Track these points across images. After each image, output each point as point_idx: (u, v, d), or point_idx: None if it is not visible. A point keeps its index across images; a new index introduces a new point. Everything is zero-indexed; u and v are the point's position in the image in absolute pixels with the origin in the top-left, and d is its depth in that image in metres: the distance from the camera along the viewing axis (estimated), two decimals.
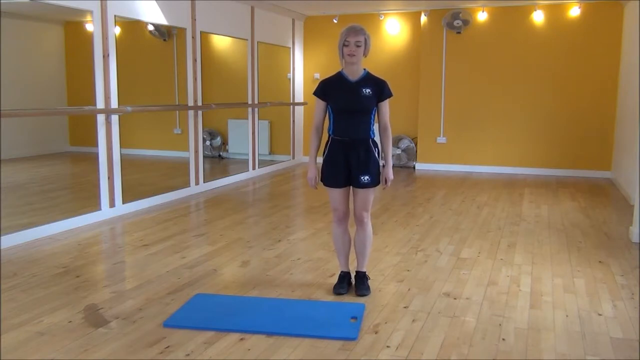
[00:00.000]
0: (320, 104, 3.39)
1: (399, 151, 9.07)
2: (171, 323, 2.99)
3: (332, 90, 3.36)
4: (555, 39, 8.23)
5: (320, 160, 3.49)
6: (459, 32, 8.59)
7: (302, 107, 9.63)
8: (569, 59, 8.21)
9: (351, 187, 3.45)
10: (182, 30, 6.62)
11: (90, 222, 5.26)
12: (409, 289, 3.56)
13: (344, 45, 3.27)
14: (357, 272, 3.56)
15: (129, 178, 5.95)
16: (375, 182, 3.43)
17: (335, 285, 3.53)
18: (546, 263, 4.14)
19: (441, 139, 8.89)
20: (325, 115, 3.42)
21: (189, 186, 6.75)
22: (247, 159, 8.14)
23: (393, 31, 9.06)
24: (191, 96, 6.71)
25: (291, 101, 9.27)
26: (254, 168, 8.21)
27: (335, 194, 3.44)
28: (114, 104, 5.46)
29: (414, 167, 9.04)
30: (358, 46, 3.26)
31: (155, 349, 2.71)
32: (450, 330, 2.94)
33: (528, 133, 8.48)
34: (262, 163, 8.49)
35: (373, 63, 9.13)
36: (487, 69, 8.57)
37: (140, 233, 4.94)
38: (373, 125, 3.39)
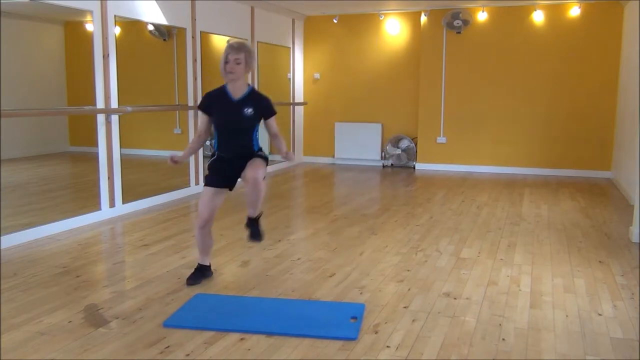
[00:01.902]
0: (203, 117, 3.50)
1: (399, 151, 9.07)
2: (171, 323, 2.99)
3: (215, 105, 3.44)
4: (555, 39, 8.23)
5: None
6: (459, 32, 8.59)
7: (302, 107, 9.63)
8: (569, 59, 8.21)
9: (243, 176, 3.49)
10: (182, 30, 6.62)
11: (90, 222, 5.26)
12: (409, 289, 3.56)
13: (225, 62, 3.34)
14: (248, 217, 3.56)
15: (129, 178, 5.95)
16: (261, 157, 3.45)
17: (192, 275, 3.62)
18: (546, 263, 4.14)
19: (441, 139, 8.90)
20: (208, 127, 3.50)
21: (189, 186, 6.75)
22: None
23: (393, 31, 9.06)
24: (191, 96, 6.71)
25: (291, 101, 9.27)
26: None
27: (207, 194, 3.49)
28: (114, 104, 5.46)
29: (414, 167, 9.04)
30: (237, 63, 3.33)
31: (155, 349, 2.71)
32: (450, 330, 2.94)
33: (528, 133, 8.48)
34: None
35: (373, 63, 9.14)
36: (487, 69, 8.57)
37: (140, 233, 4.94)
38: (256, 136, 3.49)
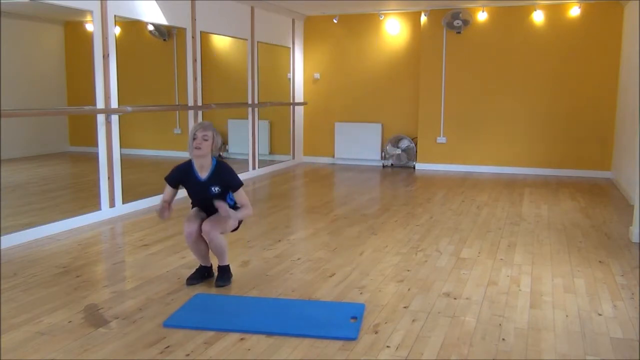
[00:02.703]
0: (169, 188, 3.60)
1: (399, 151, 9.07)
2: (171, 323, 2.99)
3: (184, 181, 3.59)
4: (555, 39, 8.23)
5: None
6: (459, 32, 8.59)
7: (302, 107, 9.63)
8: (568, 59, 8.21)
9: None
10: (182, 30, 6.62)
11: (90, 222, 5.26)
12: (409, 289, 3.56)
13: (193, 138, 3.46)
14: (218, 266, 3.67)
15: (129, 178, 5.95)
16: (230, 212, 3.48)
17: (192, 275, 3.66)
18: (546, 263, 4.14)
19: (441, 139, 8.90)
20: (171, 198, 3.61)
21: None
22: (247, 159, 8.14)
23: (393, 31, 9.06)
24: (191, 96, 6.71)
25: (291, 101, 9.27)
26: (254, 168, 8.21)
27: (192, 212, 3.61)
28: (114, 104, 5.46)
29: (414, 167, 9.04)
30: (205, 140, 3.45)
31: (155, 349, 2.71)
32: (450, 330, 2.94)
33: (528, 133, 8.48)
34: (262, 163, 8.49)
35: (373, 63, 9.14)
36: (487, 69, 8.57)
37: (140, 233, 4.94)
38: (228, 200, 3.57)
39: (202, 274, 3.68)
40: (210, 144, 3.47)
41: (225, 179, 3.53)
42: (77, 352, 2.68)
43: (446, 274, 3.87)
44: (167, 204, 3.51)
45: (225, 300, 3.37)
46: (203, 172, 3.52)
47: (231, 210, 3.42)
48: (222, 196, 3.53)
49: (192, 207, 3.69)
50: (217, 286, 3.57)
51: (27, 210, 5.54)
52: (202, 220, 3.54)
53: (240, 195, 3.56)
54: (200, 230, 3.50)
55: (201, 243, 3.58)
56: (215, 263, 3.74)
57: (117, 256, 4.32)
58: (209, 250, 3.66)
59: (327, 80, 9.50)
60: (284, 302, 3.32)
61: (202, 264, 3.70)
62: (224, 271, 3.65)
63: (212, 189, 3.50)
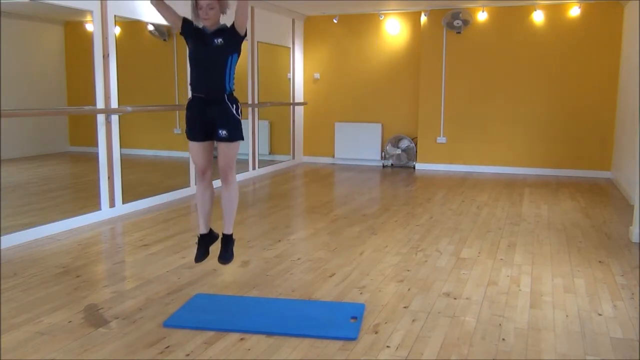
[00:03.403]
0: (176, 16, 3.33)
1: (399, 151, 9.07)
2: (171, 323, 2.99)
3: (192, 31, 3.32)
4: (555, 39, 8.23)
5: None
6: (459, 32, 8.59)
7: (302, 107, 9.63)
8: (568, 59, 8.21)
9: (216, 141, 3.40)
10: None
11: (90, 222, 5.26)
12: (409, 289, 3.56)
13: (197, 8, 3.20)
14: (222, 235, 3.48)
15: (129, 178, 5.95)
16: (234, 137, 3.34)
17: (196, 253, 3.47)
18: (546, 263, 4.14)
19: (441, 139, 8.89)
20: (170, 14, 3.32)
21: (189, 186, 6.75)
22: (247, 159, 8.14)
23: (393, 31, 9.06)
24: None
25: (291, 101, 9.27)
26: (254, 168, 8.21)
27: (194, 147, 3.37)
28: (114, 104, 5.46)
29: (414, 167, 9.03)
30: (211, 8, 3.21)
31: (155, 349, 2.71)
32: (450, 330, 2.94)
33: (528, 133, 8.48)
34: (262, 163, 8.49)
35: (373, 63, 9.14)
36: (487, 69, 8.57)
37: (140, 233, 4.94)
38: (230, 78, 3.33)
39: (205, 246, 3.48)
40: (217, 10, 3.26)
41: (226, 27, 3.30)
42: (77, 352, 2.68)
43: (446, 274, 3.87)
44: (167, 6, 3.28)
45: (225, 300, 3.37)
46: (211, 28, 3.29)
47: None
48: (224, 50, 3.27)
49: (191, 81, 3.33)
50: (222, 262, 3.41)
51: (27, 210, 5.54)
52: (208, 154, 3.35)
53: (236, 15, 3.32)
54: (210, 166, 3.34)
55: (209, 190, 3.42)
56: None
57: (117, 256, 4.32)
58: (213, 204, 3.49)
59: (327, 80, 9.50)
60: (284, 302, 3.32)
61: (202, 232, 3.48)
62: (229, 242, 3.45)
63: (215, 40, 3.25)
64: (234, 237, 3.50)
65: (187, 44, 3.34)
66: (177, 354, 2.67)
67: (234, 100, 3.35)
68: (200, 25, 3.30)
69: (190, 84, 3.35)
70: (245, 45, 7.91)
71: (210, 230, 3.53)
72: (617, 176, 7.53)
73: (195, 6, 3.22)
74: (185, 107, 3.40)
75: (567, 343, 2.82)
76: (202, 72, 3.29)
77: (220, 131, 3.29)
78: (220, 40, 3.25)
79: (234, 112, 3.33)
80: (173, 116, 7.36)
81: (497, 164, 8.66)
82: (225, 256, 3.44)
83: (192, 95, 3.36)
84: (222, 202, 3.43)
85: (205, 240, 3.50)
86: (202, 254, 3.47)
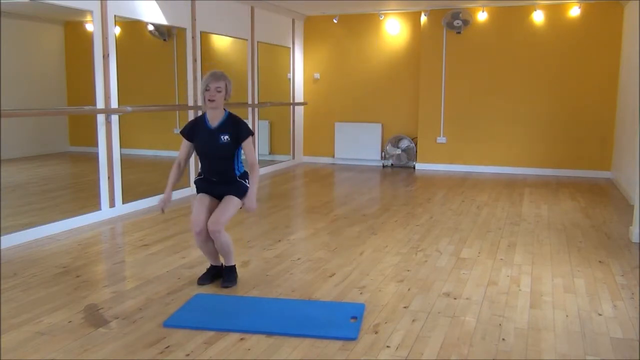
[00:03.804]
0: (185, 143, 3.60)
1: (399, 151, 9.07)
2: (171, 323, 2.99)
3: (196, 132, 3.56)
4: (555, 39, 8.23)
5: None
6: (459, 32, 8.59)
7: (302, 107, 9.63)
8: (568, 59, 8.21)
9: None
10: (182, 30, 6.62)
11: (90, 222, 5.26)
12: (409, 289, 3.56)
13: (205, 90, 3.42)
14: (225, 266, 3.67)
15: (129, 178, 5.95)
16: (236, 194, 3.54)
17: (204, 275, 3.65)
18: (546, 263, 4.14)
19: (441, 139, 8.90)
20: (188, 153, 3.61)
21: (189, 186, 6.75)
22: None
23: (393, 31, 9.06)
24: (191, 96, 6.71)
25: (291, 101, 9.27)
26: None
27: (199, 201, 3.53)
28: (114, 104, 5.46)
29: (414, 167, 9.04)
30: (219, 92, 3.43)
31: (155, 349, 2.71)
32: (450, 330, 2.94)
33: (528, 133, 8.48)
34: (262, 163, 8.48)
35: (373, 63, 9.14)
36: (487, 69, 8.57)
37: (140, 233, 4.94)
38: (238, 164, 3.58)
39: (212, 274, 3.66)
40: (223, 95, 3.45)
41: (236, 127, 3.50)
42: (77, 352, 2.68)
43: (446, 274, 3.87)
44: (167, 199, 3.53)
45: (225, 300, 3.37)
46: (214, 121, 3.49)
47: (249, 196, 3.45)
48: (230, 147, 3.48)
49: (200, 174, 3.60)
50: (224, 287, 3.55)
51: (27, 210, 5.54)
52: (210, 213, 3.49)
53: (249, 146, 3.52)
54: (205, 228, 3.48)
55: (210, 241, 3.55)
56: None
57: (117, 256, 4.32)
58: (216, 250, 3.65)
59: (327, 80, 9.50)
60: (284, 302, 3.32)
61: (213, 264, 3.68)
62: (230, 271, 3.64)
63: (222, 137, 3.46)
64: (235, 267, 3.69)
65: (194, 142, 3.57)
66: (177, 354, 2.67)
67: (245, 176, 3.60)
68: (205, 109, 3.52)
69: (201, 170, 3.61)
70: (245, 45, 7.92)
71: (222, 265, 3.72)
72: (617, 176, 7.53)
73: (205, 88, 3.43)
74: (196, 182, 3.64)
75: (567, 343, 2.82)
76: (212, 164, 3.55)
77: (227, 194, 3.53)
78: (226, 137, 3.48)
79: (244, 183, 3.57)
80: (173, 116, 7.36)
81: (497, 164, 8.66)
82: (230, 280, 3.61)
83: (204, 176, 3.60)
84: (217, 248, 3.58)
85: (213, 272, 3.68)
86: (206, 279, 3.64)
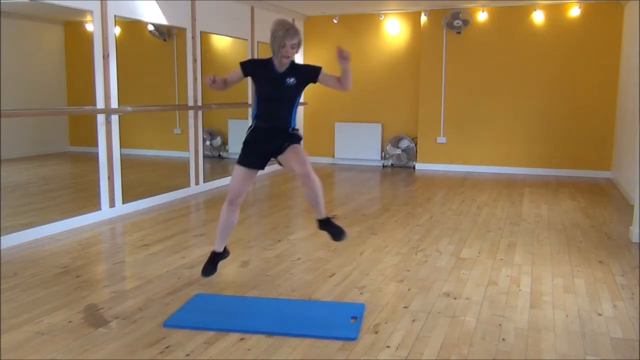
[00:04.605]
0: (238, 73, 3.45)
1: (399, 151, 9.07)
2: (171, 323, 2.99)
3: (258, 72, 3.45)
4: (555, 39, 8.23)
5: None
6: (459, 32, 8.59)
7: (302, 107, 9.63)
8: (568, 59, 8.21)
9: (280, 158, 3.51)
10: (182, 30, 6.62)
11: (90, 222, 5.26)
12: (409, 289, 3.56)
13: (281, 46, 3.30)
14: (319, 220, 3.52)
15: (129, 178, 5.95)
16: (296, 141, 3.48)
17: (206, 266, 3.55)
18: (546, 263, 4.14)
19: (441, 139, 8.90)
20: (234, 82, 3.48)
21: (189, 186, 6.75)
22: None
23: (393, 31, 9.06)
24: (191, 96, 6.71)
25: None
26: None
27: (241, 172, 3.44)
28: (114, 104, 5.46)
29: (414, 167, 9.04)
30: (293, 48, 3.34)
31: (155, 349, 2.71)
32: (450, 330, 2.94)
33: (528, 133, 8.48)
34: None
35: (373, 63, 9.14)
36: (487, 69, 8.57)
37: (140, 233, 4.94)
38: (294, 115, 3.49)
39: (216, 262, 3.58)
40: (296, 50, 3.37)
41: (303, 69, 3.46)
42: (77, 352, 2.68)
43: (446, 274, 3.87)
44: (225, 81, 3.42)
45: (225, 300, 3.37)
46: (281, 67, 3.41)
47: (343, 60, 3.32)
48: (295, 90, 3.42)
49: (257, 113, 3.45)
50: (337, 240, 3.46)
51: (27, 210, 5.54)
52: (249, 183, 3.43)
53: (327, 75, 3.45)
54: (243, 195, 3.40)
55: (235, 218, 3.49)
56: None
57: (117, 256, 4.32)
58: (234, 227, 3.56)
59: None
60: (284, 302, 3.32)
61: (216, 250, 3.57)
62: (329, 222, 3.50)
63: (288, 79, 3.38)
64: (329, 218, 3.53)
65: (255, 82, 3.47)
66: (177, 354, 2.67)
67: (297, 130, 3.53)
68: (276, 61, 3.38)
69: (256, 116, 3.46)
70: (245, 45, 7.92)
71: (224, 248, 3.64)
72: (617, 176, 7.53)
73: (280, 45, 3.29)
74: (247, 135, 3.50)
75: (567, 343, 2.82)
76: (272, 108, 3.44)
77: (283, 144, 3.43)
78: (292, 80, 3.40)
79: (299, 134, 3.52)
80: (173, 116, 7.37)
81: (497, 164, 8.66)
82: (339, 232, 3.48)
83: (256, 125, 3.47)
84: (307, 196, 3.48)
85: (218, 258, 3.61)
86: (212, 269, 3.57)
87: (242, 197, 3.49)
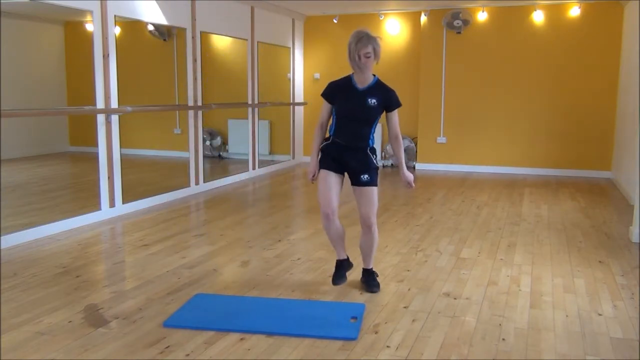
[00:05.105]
0: (326, 105, 3.47)
1: None
2: (171, 323, 2.99)
3: (339, 94, 3.42)
4: (555, 39, 8.23)
5: None
6: (459, 32, 8.59)
7: (302, 107, 9.63)
8: (568, 59, 8.21)
9: (352, 186, 3.48)
10: (182, 30, 6.62)
11: (90, 222, 5.26)
12: (409, 289, 3.56)
13: (357, 57, 3.29)
14: (364, 269, 3.59)
15: (129, 178, 5.95)
16: (374, 182, 3.44)
17: (334, 275, 3.54)
18: (546, 263, 4.14)
19: (441, 139, 8.90)
20: (330, 115, 3.47)
21: (189, 186, 6.75)
22: (247, 159, 8.14)
23: (393, 31, 9.06)
24: (191, 96, 6.71)
25: (291, 101, 9.27)
26: (254, 168, 8.21)
27: (325, 181, 3.38)
28: (114, 104, 5.46)
29: (414, 167, 9.04)
30: (367, 57, 3.30)
31: (155, 349, 2.71)
32: (450, 330, 2.94)
33: (528, 133, 8.48)
34: (262, 163, 8.49)
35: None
36: (487, 69, 8.57)
37: (140, 233, 4.94)
38: (373, 133, 3.45)
39: (345, 270, 3.54)
40: (372, 59, 3.30)
41: (387, 94, 3.40)
42: (77, 352, 2.68)
43: (446, 274, 3.87)
44: (322, 124, 3.43)
45: (225, 300, 3.37)
46: (362, 84, 3.38)
47: (404, 172, 3.37)
48: (377, 111, 3.35)
49: (335, 130, 3.40)
50: (371, 292, 3.45)
51: (27, 210, 5.54)
52: (338, 191, 3.38)
53: (395, 117, 3.42)
54: (336, 206, 3.36)
55: (338, 228, 3.44)
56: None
57: (117, 256, 4.32)
58: (344, 235, 3.52)
59: (327, 81, 9.43)
60: (284, 302, 3.32)
61: (339, 258, 3.53)
62: (373, 275, 3.55)
63: (370, 100, 3.33)
64: (374, 269, 3.61)
65: (336, 104, 3.43)
66: (177, 354, 2.67)
67: (374, 151, 3.45)
68: (355, 72, 3.39)
69: (334, 134, 3.42)
70: (245, 45, 7.92)
71: (348, 257, 3.61)
72: (617, 176, 7.53)
73: (357, 56, 3.30)
74: (323, 148, 3.46)
75: (567, 343, 2.82)
76: (352, 128, 3.38)
77: (361, 176, 3.39)
78: (374, 101, 3.36)
79: (374, 161, 3.43)
80: (173, 116, 7.37)
81: (497, 164, 8.66)
82: (374, 288, 3.50)
83: (333, 140, 3.42)
84: (362, 245, 3.51)
85: (345, 265, 3.57)
86: (340, 277, 3.51)
87: (332, 206, 3.37)
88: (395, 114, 3.44)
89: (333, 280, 3.52)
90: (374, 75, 3.45)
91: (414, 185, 3.47)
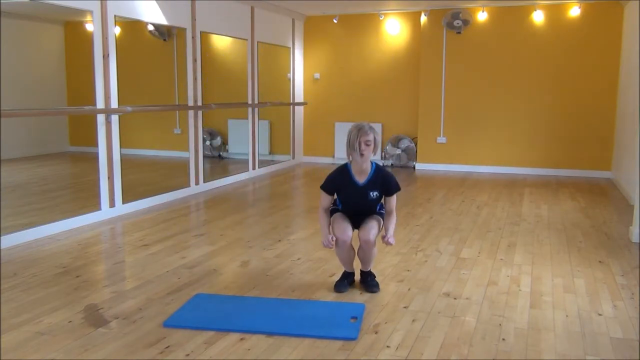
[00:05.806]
0: (325, 196, 3.56)
1: (399, 151, 9.07)
2: (171, 323, 2.99)
3: (340, 188, 3.53)
4: (555, 39, 8.23)
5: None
6: (459, 32, 8.59)
7: (302, 107, 9.63)
8: (568, 59, 8.21)
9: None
10: (182, 30, 6.62)
11: (90, 222, 5.26)
12: (409, 289, 3.56)
13: (357, 147, 3.35)
14: (362, 271, 3.61)
15: (129, 178, 5.95)
16: (380, 214, 3.57)
17: (338, 282, 3.57)
18: (546, 263, 4.14)
19: (441, 139, 8.90)
20: (332, 201, 3.59)
21: (189, 186, 6.75)
22: (247, 159, 8.14)
23: (393, 31, 9.06)
24: (191, 96, 6.71)
25: (291, 101, 9.27)
26: (254, 168, 8.21)
27: (342, 216, 3.52)
28: (114, 104, 5.46)
29: (414, 167, 9.04)
30: (367, 145, 3.37)
31: (155, 349, 2.71)
32: (450, 330, 2.94)
33: (528, 133, 8.48)
34: (262, 163, 8.49)
35: (373, 63, 9.14)
36: (487, 69, 8.57)
37: (140, 233, 4.94)
38: (378, 208, 3.61)
39: (349, 281, 3.60)
40: (372, 147, 3.39)
41: (386, 182, 3.49)
42: (77, 352, 2.68)
43: (446, 274, 3.87)
44: (326, 209, 3.54)
45: (225, 300, 3.37)
46: (362, 176, 3.46)
47: (389, 233, 3.41)
48: (378, 199, 3.51)
49: (338, 211, 3.58)
50: (371, 292, 3.49)
51: (27, 210, 5.54)
52: (351, 227, 3.48)
53: (393, 200, 3.53)
54: (350, 239, 3.44)
55: (351, 249, 3.53)
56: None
57: (117, 256, 4.32)
58: (354, 256, 3.59)
59: (327, 80, 9.50)
60: (284, 302, 3.32)
61: (348, 270, 3.61)
62: (372, 276, 3.61)
63: (371, 193, 3.45)
64: (373, 272, 3.64)
65: (340, 195, 3.55)
66: (177, 354, 2.67)
67: (381, 208, 3.61)
68: (353, 162, 3.47)
69: (341, 208, 3.58)
70: (245, 45, 7.92)
71: (354, 272, 3.66)
72: (617, 176, 7.53)
73: (357, 145, 3.35)
74: (333, 209, 3.60)
75: (567, 343, 2.82)
76: (357, 214, 3.53)
77: (366, 220, 3.51)
78: (376, 193, 3.48)
79: (382, 212, 3.59)
80: (173, 116, 7.37)
81: (497, 164, 8.66)
82: (373, 288, 3.53)
83: (342, 209, 3.58)
84: (361, 256, 3.54)
85: (351, 277, 3.62)
86: (344, 285, 3.55)
87: (347, 233, 3.42)
88: (393, 199, 3.55)
89: (336, 286, 3.54)
90: (372, 163, 3.53)
91: (388, 241, 3.41)
